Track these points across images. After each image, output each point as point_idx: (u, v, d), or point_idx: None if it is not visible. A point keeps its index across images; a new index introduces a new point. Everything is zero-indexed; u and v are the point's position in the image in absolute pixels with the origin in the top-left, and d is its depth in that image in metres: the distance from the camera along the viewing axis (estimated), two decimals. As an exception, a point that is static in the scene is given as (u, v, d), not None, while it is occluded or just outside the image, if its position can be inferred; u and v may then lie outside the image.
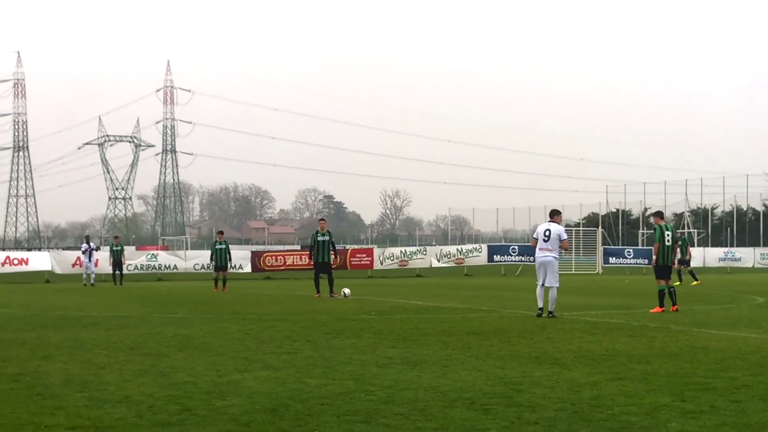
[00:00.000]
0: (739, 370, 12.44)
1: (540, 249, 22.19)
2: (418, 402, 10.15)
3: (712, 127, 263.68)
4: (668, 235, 23.75)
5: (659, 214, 24.72)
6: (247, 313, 23.93)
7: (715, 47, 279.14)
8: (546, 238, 22.04)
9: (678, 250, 43.14)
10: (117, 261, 47.05)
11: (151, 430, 8.76)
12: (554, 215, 22.72)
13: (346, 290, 31.01)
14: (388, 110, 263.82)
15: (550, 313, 21.55)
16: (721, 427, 8.73)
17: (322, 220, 34.24)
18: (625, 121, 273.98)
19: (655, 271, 23.95)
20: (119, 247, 48.17)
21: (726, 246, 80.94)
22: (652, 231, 24.49)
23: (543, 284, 21.97)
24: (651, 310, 23.08)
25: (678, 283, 40.76)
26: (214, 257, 39.20)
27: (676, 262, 43.34)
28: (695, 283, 41.21)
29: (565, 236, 22.30)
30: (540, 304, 21.80)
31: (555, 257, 22.10)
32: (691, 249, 45.83)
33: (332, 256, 32.38)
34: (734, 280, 47.69)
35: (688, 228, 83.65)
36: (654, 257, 23.97)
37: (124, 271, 48.64)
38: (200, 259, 55.15)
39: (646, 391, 10.82)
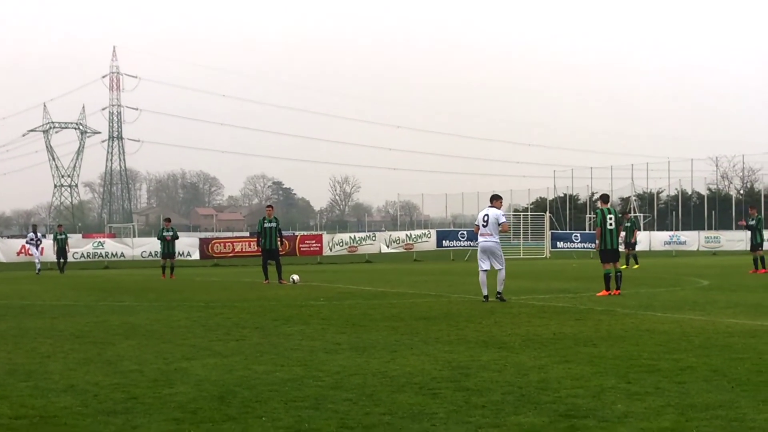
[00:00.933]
0: (683, 352, 12.56)
1: (481, 235, 22.26)
2: (367, 387, 10.14)
3: (658, 112, 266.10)
4: (611, 218, 23.82)
5: (604, 198, 24.85)
6: (195, 300, 23.82)
7: (660, 27, 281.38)
8: (485, 224, 22.09)
9: (624, 233, 43.68)
10: (61, 249, 46.87)
11: (96, 419, 8.68)
12: (494, 200, 22.59)
13: (295, 276, 30.99)
14: (338, 96, 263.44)
15: (499, 293, 21.71)
16: (666, 408, 8.81)
17: (269, 206, 34.26)
18: (572, 106, 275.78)
19: (600, 256, 24.04)
20: (63, 236, 47.96)
21: (671, 230, 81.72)
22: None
23: (486, 270, 21.98)
24: (597, 294, 23.24)
25: (624, 266, 41.10)
26: (160, 244, 38.97)
27: (623, 245, 43.74)
28: (636, 267, 41.52)
29: (503, 219, 22.14)
30: (485, 291, 21.83)
31: (496, 242, 22.12)
32: (637, 232, 46.12)
33: (279, 243, 32.40)
34: (679, 263, 48.17)
35: (634, 212, 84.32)
36: (597, 242, 24.06)
37: (69, 259, 48.31)
38: (147, 246, 54.90)
39: (592, 373, 10.89)
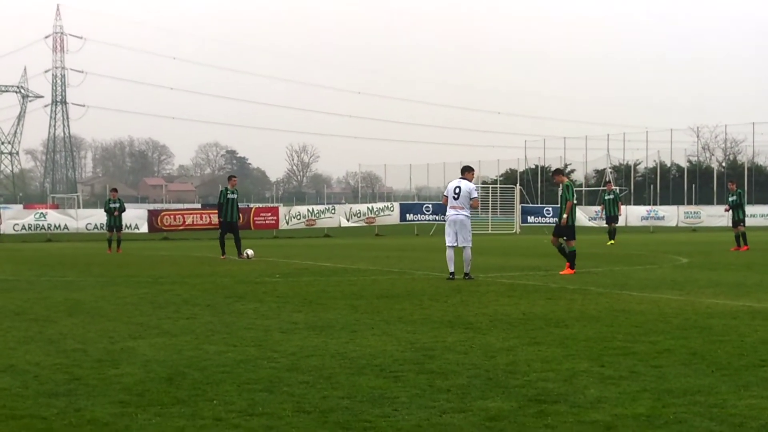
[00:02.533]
0: (660, 334, 12.63)
1: (450, 207, 22.25)
2: (324, 369, 10.14)
3: (635, 79, 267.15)
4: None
5: (561, 172, 24.73)
6: (143, 276, 23.74)
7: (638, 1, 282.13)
8: (456, 196, 22.10)
9: (603, 206, 43.83)
10: None
11: (36, 401, 8.63)
12: (465, 171, 22.64)
13: (249, 251, 30.93)
14: (295, 59, 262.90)
15: (466, 274, 21.70)
16: (641, 393, 8.85)
17: (232, 177, 34.02)
18: (544, 73, 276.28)
19: (567, 232, 23.71)
20: None
21: (649, 204, 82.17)
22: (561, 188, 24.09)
23: (453, 245, 22.09)
24: (561, 273, 23.13)
25: (611, 242, 41.30)
26: (106, 216, 38.77)
27: (605, 219, 43.89)
28: (610, 242, 41.73)
29: (475, 194, 22.25)
30: (451, 268, 21.88)
31: (466, 216, 22.19)
32: (621, 205, 46.01)
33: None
34: (657, 239, 48.45)
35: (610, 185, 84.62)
36: (565, 216, 23.56)
37: (9, 231, 48.10)
38: (93, 218, 54.50)
39: (563, 356, 10.93)
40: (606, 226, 44.39)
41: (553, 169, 24.95)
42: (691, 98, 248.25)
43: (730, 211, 37.56)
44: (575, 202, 23.81)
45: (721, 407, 8.28)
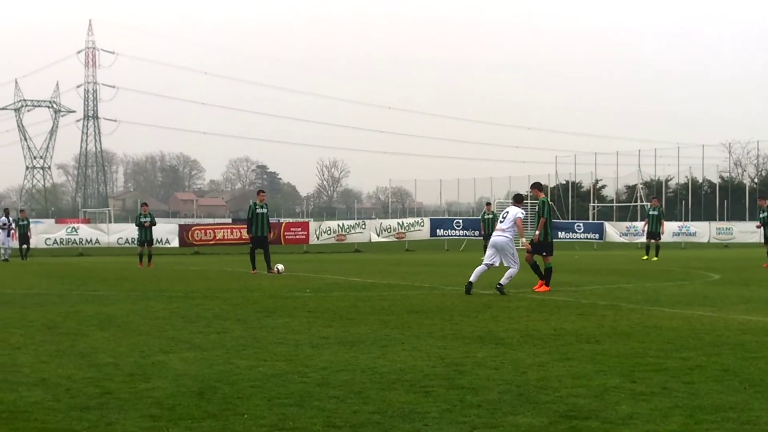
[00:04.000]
0: (692, 350, 12.57)
1: (497, 229, 23.17)
2: (355, 384, 10.14)
3: (667, 96, 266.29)
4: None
5: (540, 186, 24.47)
6: (174, 290, 23.81)
7: (670, 6, 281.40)
8: (502, 219, 23.07)
9: (648, 222, 43.62)
10: (23, 235, 47.34)
11: (68, 415, 8.67)
12: (517, 201, 23.87)
13: (280, 266, 31.00)
14: (327, 76, 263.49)
15: (499, 285, 21.89)
16: (673, 409, 8.81)
17: (261, 191, 34.09)
18: (576, 88, 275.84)
19: (544, 248, 23.67)
20: (25, 221, 48.44)
21: (680, 220, 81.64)
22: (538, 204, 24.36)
23: (488, 264, 22.62)
24: (535, 288, 22.99)
25: (655, 258, 41.17)
26: (138, 231, 38.96)
27: (645, 234, 43.77)
28: (645, 258, 41.63)
29: (521, 215, 22.87)
30: (472, 279, 22.18)
31: (507, 238, 22.68)
32: (664, 222, 45.83)
33: (268, 231, 32.50)
34: (689, 255, 48.24)
35: (641, 201, 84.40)
36: (537, 233, 23.79)
37: (41, 246, 48.42)
38: (124, 233, 54.86)
39: (594, 372, 10.89)
40: (645, 241, 44.46)
41: (532, 182, 24.53)
42: (723, 114, 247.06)
43: (762, 228, 37.38)
44: (548, 218, 23.80)
45: (753, 424, 8.23)
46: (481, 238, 49.49)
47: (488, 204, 51.11)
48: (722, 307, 18.58)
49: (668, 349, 12.66)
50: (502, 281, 22.04)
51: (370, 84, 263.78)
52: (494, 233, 23.22)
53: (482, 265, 22.59)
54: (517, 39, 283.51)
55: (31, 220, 51.23)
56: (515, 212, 22.89)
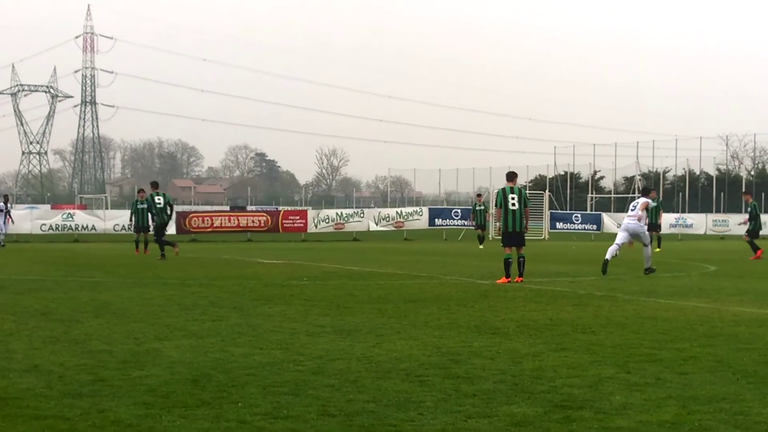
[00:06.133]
0: (686, 341, 12.59)
1: (627, 216, 26.64)
2: (350, 373, 10.15)
3: (666, 88, 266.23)
4: (513, 198, 23.05)
5: (509, 176, 23.60)
6: (170, 277, 23.82)
7: (670, 7, 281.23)
8: (633, 207, 26.46)
9: (645, 214, 43.64)
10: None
11: (60, 402, 8.67)
12: (646, 193, 28.53)
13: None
14: (327, 64, 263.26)
15: (647, 268, 25.70)
16: (667, 400, 8.83)
17: (153, 183, 36.79)
18: (575, 79, 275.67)
19: (523, 239, 23.44)
20: (9, 206, 48.89)
21: (677, 212, 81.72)
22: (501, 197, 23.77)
23: (619, 244, 25.87)
24: (497, 281, 22.73)
25: (657, 249, 41.17)
26: (133, 217, 38.93)
27: (647, 226, 43.88)
28: (657, 250, 41.70)
29: (653, 204, 27.46)
30: (607, 256, 25.44)
31: (636, 223, 26.01)
32: (662, 213, 45.85)
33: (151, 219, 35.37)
34: (685, 247, 48.27)
35: (639, 192, 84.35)
36: (498, 224, 24.01)
37: (36, 231, 48.77)
38: (120, 219, 54.74)
39: (589, 362, 10.91)
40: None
41: (508, 171, 24.11)
42: (720, 106, 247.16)
43: (749, 222, 37.80)
44: (513, 207, 22.94)
45: (746, 415, 8.25)
46: (474, 228, 49.71)
47: (479, 195, 51.45)
48: (717, 299, 18.61)
49: (663, 340, 12.69)
50: (646, 264, 25.80)
51: (370, 73, 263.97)
52: (626, 219, 26.59)
53: (614, 245, 25.81)
54: (519, 31, 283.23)
55: (26, 205, 51.41)
56: (644, 201, 26.44)
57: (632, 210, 26.41)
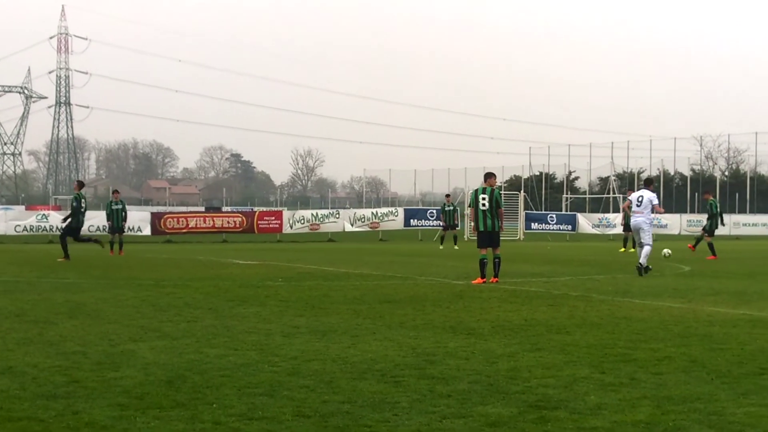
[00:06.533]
0: (661, 341, 12.63)
1: (633, 212, 26.69)
2: (325, 374, 10.14)
3: (640, 89, 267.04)
4: (484, 198, 22.91)
5: (486, 176, 23.46)
6: (145, 278, 23.75)
7: (640, 7, 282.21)
8: (638, 204, 26.40)
9: (625, 214, 43.67)
10: None
11: (34, 403, 8.63)
12: (648, 184, 27.56)
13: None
14: (302, 64, 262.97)
15: (639, 264, 25.37)
16: (641, 400, 8.85)
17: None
18: (550, 80, 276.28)
19: (498, 239, 23.25)
20: None
21: (651, 212, 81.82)
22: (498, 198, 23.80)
23: (649, 244, 25.87)
24: (472, 281, 22.70)
25: (632, 249, 41.13)
26: (109, 218, 38.85)
27: (624, 227, 43.93)
28: (623, 250, 41.74)
29: (656, 201, 26.68)
30: (641, 261, 25.64)
31: (645, 218, 26.30)
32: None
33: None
34: (660, 247, 48.32)
35: (614, 193, 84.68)
36: (472, 224, 24.34)
37: (11, 233, 48.59)
38: (95, 220, 54.48)
39: (564, 362, 10.93)
40: (621, 233, 44.88)
41: (486, 171, 23.87)
42: (695, 107, 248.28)
43: (709, 220, 38.47)
44: (483, 208, 22.90)
45: (720, 415, 8.27)
46: (442, 228, 49.92)
47: (447, 195, 51.69)
48: (691, 299, 18.68)
49: (637, 340, 12.72)
50: (641, 261, 25.39)
51: (345, 73, 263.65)
52: (633, 215, 26.62)
53: (641, 248, 26.04)
54: (492, 31, 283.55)
55: (0, 206, 51.17)
56: (649, 196, 26.31)
57: (638, 206, 26.47)
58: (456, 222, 49.19)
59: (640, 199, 26.47)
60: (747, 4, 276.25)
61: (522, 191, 71.32)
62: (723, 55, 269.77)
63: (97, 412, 8.27)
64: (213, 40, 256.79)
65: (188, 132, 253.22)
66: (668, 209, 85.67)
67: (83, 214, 34.49)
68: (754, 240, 60.09)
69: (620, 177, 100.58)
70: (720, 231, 58.09)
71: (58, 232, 37.41)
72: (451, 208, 48.52)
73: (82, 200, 34.30)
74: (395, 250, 44.04)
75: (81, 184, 35.97)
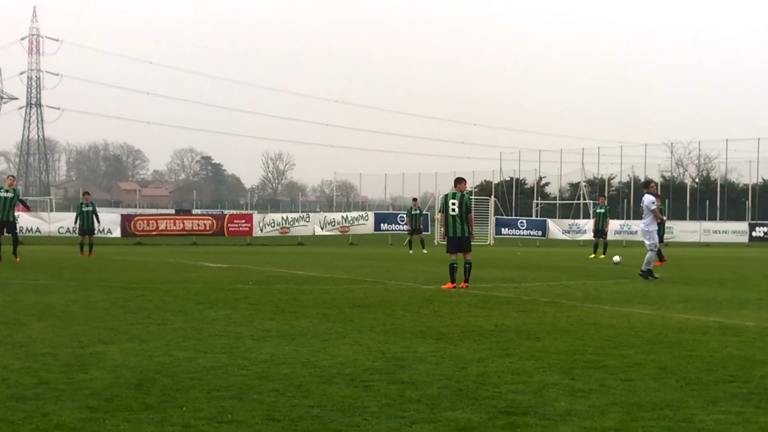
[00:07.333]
0: (630, 348, 12.67)
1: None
2: (295, 378, 10.13)
3: (611, 95, 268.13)
4: (453, 204, 22.87)
5: (456, 181, 23.31)
6: (114, 280, 23.65)
7: (614, 12, 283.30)
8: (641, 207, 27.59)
9: (596, 220, 43.97)
10: None
11: (3, 405, 8.58)
12: (648, 185, 27.94)
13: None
14: (273, 68, 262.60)
15: (642, 271, 26.16)
16: (611, 406, 8.88)
17: (10, 176, 35.91)
18: (521, 85, 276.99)
19: (469, 244, 23.22)
20: None
21: (623, 218, 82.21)
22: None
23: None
24: (442, 286, 22.71)
25: (602, 255, 41.38)
26: (78, 220, 38.71)
27: (594, 233, 44.25)
28: (593, 256, 41.92)
29: (653, 206, 26.71)
30: (643, 267, 26.41)
31: (642, 225, 27.35)
32: (609, 220, 46.22)
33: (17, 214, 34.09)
34: (630, 254, 48.54)
35: (584, 199, 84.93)
36: (442, 229, 24.61)
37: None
38: (65, 222, 54.28)
39: (534, 368, 10.95)
40: (591, 239, 45.22)
41: (457, 176, 23.84)
42: (665, 114, 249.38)
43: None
44: (453, 213, 22.87)
45: (689, 422, 8.30)
46: (408, 233, 50.16)
47: (414, 200, 52.16)
48: (661, 306, 18.73)
49: (607, 347, 12.76)
50: (643, 267, 26.24)
51: (316, 77, 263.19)
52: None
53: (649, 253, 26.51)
54: (463, 35, 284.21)
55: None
56: (647, 201, 26.67)
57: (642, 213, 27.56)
58: (421, 226, 49.39)
59: (641, 204, 27.54)
60: (715, 13, 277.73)
61: (492, 196, 71.54)
62: (694, 63, 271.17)
63: (67, 414, 8.24)
64: (185, 43, 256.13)
65: (159, 134, 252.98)
66: (638, 216, 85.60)
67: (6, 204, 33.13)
68: (725, 247, 60.37)
69: (591, 183, 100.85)
70: (690, 238, 58.68)
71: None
72: (418, 212, 48.81)
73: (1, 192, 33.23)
74: (365, 254, 44.03)
75: (10, 177, 35.67)
